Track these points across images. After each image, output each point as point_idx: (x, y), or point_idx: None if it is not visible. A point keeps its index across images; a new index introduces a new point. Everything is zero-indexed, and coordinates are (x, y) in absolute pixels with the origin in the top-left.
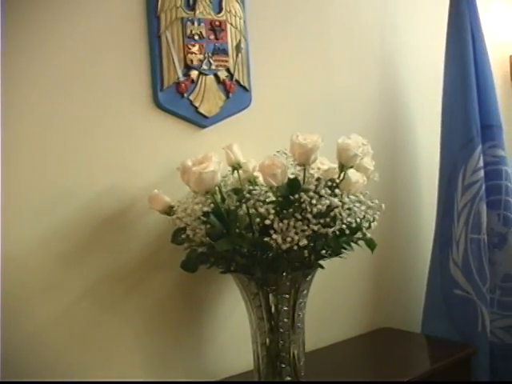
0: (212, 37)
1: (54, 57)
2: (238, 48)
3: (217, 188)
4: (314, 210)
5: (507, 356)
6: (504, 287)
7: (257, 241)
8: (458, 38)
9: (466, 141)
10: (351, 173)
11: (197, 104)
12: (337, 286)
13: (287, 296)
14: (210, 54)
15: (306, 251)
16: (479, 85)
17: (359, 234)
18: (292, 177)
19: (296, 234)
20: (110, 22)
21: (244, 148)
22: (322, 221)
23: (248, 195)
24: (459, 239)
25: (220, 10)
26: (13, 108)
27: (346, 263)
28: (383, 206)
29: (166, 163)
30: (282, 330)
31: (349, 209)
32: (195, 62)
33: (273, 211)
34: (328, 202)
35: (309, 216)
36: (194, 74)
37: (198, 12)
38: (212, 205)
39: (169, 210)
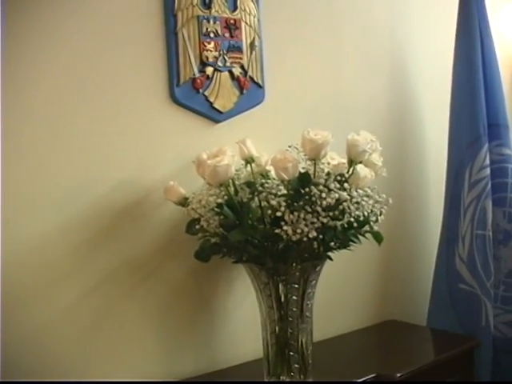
0: (227, 34)
1: (73, 51)
2: (252, 45)
3: (230, 181)
4: (324, 203)
5: (509, 350)
6: (508, 283)
7: (268, 232)
8: (467, 37)
9: (473, 139)
10: (360, 168)
11: (212, 99)
12: (344, 278)
13: (296, 286)
14: (224, 51)
15: (315, 243)
16: (487, 84)
17: (367, 227)
18: (303, 171)
19: (306, 226)
20: (129, 19)
21: (257, 142)
22: (330, 214)
23: (260, 188)
24: (465, 235)
25: (235, 8)
26: (31, 101)
27: (354, 256)
28: (390, 200)
29: (181, 156)
30: (291, 319)
31: (357, 203)
32: (210, 59)
33: (284, 204)
34: (337, 195)
35: (318, 209)
36: (209, 70)
37: (213, 10)
38: (226, 197)
39: (184, 202)
